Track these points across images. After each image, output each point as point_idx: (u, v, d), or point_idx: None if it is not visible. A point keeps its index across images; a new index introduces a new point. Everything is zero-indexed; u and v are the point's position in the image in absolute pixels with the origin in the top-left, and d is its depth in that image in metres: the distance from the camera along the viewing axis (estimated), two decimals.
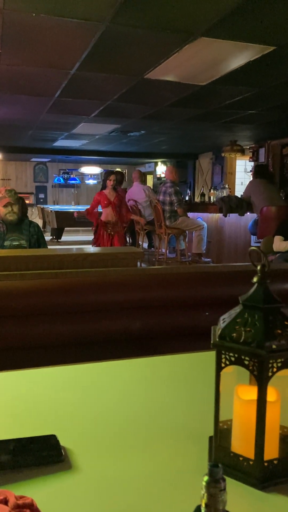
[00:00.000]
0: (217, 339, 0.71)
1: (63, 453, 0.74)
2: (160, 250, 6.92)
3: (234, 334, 0.70)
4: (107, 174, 6.09)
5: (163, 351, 1.34)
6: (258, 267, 0.73)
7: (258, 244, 5.89)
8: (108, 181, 6.00)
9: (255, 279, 0.73)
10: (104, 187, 6.13)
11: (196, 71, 4.04)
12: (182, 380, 1.10)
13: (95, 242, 6.26)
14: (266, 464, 0.69)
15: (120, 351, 1.49)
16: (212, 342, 0.71)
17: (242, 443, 0.73)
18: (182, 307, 1.62)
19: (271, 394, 0.71)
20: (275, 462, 0.70)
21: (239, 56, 3.57)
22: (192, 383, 1.08)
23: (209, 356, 1.19)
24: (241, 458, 0.71)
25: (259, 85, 4.55)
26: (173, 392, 1.03)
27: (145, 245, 8.47)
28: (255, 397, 0.69)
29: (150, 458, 0.77)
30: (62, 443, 0.76)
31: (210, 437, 0.81)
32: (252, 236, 6.77)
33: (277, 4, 2.61)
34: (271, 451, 0.71)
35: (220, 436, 0.75)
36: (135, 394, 1.01)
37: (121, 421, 0.89)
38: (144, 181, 8.30)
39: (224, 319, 0.74)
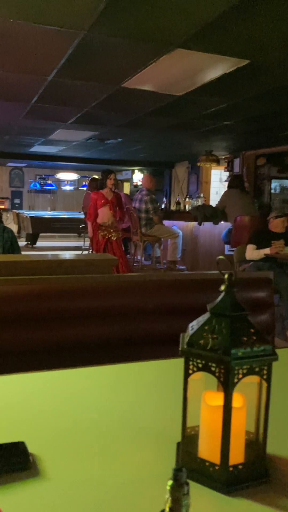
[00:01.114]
0: (185, 346, 0.72)
1: (31, 460, 0.74)
2: (135, 257, 6.94)
3: (202, 341, 0.71)
4: (105, 173, 5.83)
5: (136, 357, 1.35)
6: (226, 276, 0.75)
7: (232, 253, 5.97)
8: (108, 180, 5.76)
9: (222, 288, 0.75)
10: (101, 187, 5.89)
11: (173, 82, 4.09)
12: (152, 386, 1.11)
13: (91, 249, 6.05)
14: (231, 469, 0.71)
15: (93, 357, 1.49)
16: (180, 349, 0.73)
17: (208, 448, 0.75)
18: (156, 314, 1.63)
19: (237, 400, 0.73)
20: (240, 467, 0.72)
21: (214, 68, 3.64)
22: (162, 389, 1.09)
23: (179, 362, 1.21)
24: (207, 463, 0.73)
25: (234, 97, 4.64)
26: (143, 398, 1.04)
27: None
28: (222, 403, 0.71)
29: (118, 464, 0.77)
30: (30, 450, 0.76)
31: (178, 443, 0.82)
32: (226, 244, 6.86)
33: (252, 20, 2.68)
34: (237, 456, 0.73)
35: (188, 442, 0.77)
36: (105, 400, 1.02)
37: (90, 427, 0.89)
38: (121, 189, 8.33)
39: (193, 326, 0.76)
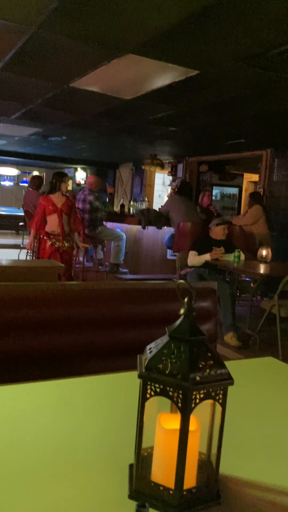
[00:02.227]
0: (144, 370, 0.72)
1: None
2: (77, 259, 6.85)
3: (160, 365, 0.71)
4: (59, 175, 5.20)
5: (82, 371, 1.32)
6: (185, 300, 0.75)
7: (174, 257, 6.07)
8: (63, 183, 5.14)
9: (182, 311, 0.75)
10: (52, 190, 5.20)
11: (122, 86, 4.09)
12: (99, 403, 1.09)
13: (37, 258, 5.36)
14: (185, 493, 0.71)
15: (35, 372, 1.44)
16: (138, 373, 0.72)
17: (163, 472, 0.74)
18: (104, 325, 1.61)
19: (192, 423, 0.73)
20: (194, 490, 0.72)
21: (164, 75, 3.68)
22: (109, 406, 1.07)
23: (127, 377, 1.21)
24: (161, 488, 0.73)
25: (181, 105, 4.72)
26: (89, 417, 1.01)
27: None
28: (177, 426, 0.71)
29: (64, 491, 0.74)
30: None
31: (130, 465, 0.81)
32: (168, 249, 6.96)
33: (204, 33, 2.73)
34: (190, 479, 0.73)
35: (142, 465, 0.76)
36: (53, 419, 0.98)
37: (37, 449, 0.85)
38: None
39: (151, 349, 0.75)
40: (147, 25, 2.67)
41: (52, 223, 5.15)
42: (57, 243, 5.13)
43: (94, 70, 3.65)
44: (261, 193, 7.03)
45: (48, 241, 5.15)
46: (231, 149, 7.74)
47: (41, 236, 5.24)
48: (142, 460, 0.76)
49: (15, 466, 0.79)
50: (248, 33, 2.71)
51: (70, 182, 5.40)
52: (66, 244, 5.16)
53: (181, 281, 0.76)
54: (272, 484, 0.79)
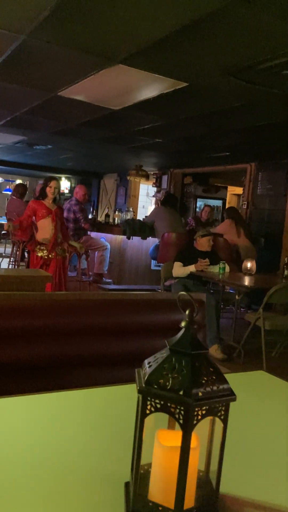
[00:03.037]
0: (144, 385, 0.69)
1: None
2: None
3: (161, 381, 0.69)
4: (46, 179, 4.82)
5: (71, 383, 1.29)
6: (187, 312, 0.73)
7: (158, 268, 6.06)
8: (48, 188, 4.70)
9: (183, 324, 0.73)
10: (41, 196, 4.83)
11: (110, 95, 4.09)
12: (95, 417, 1.06)
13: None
14: None
15: (22, 384, 1.40)
16: (138, 388, 0.70)
17: (161, 491, 0.72)
18: (92, 336, 1.58)
19: (192, 440, 0.71)
20: (194, 511, 0.70)
21: (152, 87, 3.69)
22: (104, 421, 1.04)
23: (122, 390, 1.18)
24: (160, 508, 0.70)
25: (168, 117, 4.74)
26: (85, 431, 0.98)
27: None
28: (177, 443, 0.69)
29: (60, 508, 0.71)
30: None
31: (126, 483, 0.78)
32: (152, 260, 6.95)
33: (193, 46, 2.76)
34: (189, 499, 0.71)
35: (139, 484, 0.73)
36: (44, 434, 0.94)
37: (28, 465, 0.81)
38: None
39: (150, 363, 0.73)
40: (137, 37, 2.68)
41: (46, 229, 4.65)
42: (50, 255, 4.63)
43: (82, 80, 3.65)
44: (242, 207, 7.16)
45: (37, 252, 4.63)
46: (216, 162, 7.81)
47: (29, 250, 4.77)
48: (140, 479, 0.73)
49: (3, 483, 0.75)
50: (237, 47, 2.74)
51: (56, 184, 4.81)
52: (58, 253, 4.69)
53: (182, 293, 0.74)
54: (271, 503, 0.77)
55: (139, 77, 3.43)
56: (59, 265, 4.67)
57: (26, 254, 8.38)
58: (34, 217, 4.71)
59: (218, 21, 2.40)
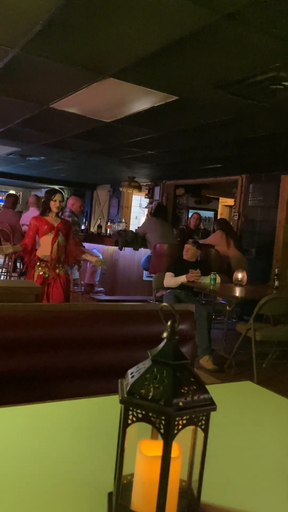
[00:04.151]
0: (126, 395, 0.70)
1: None
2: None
3: (143, 391, 0.70)
4: (48, 192, 4.37)
5: (61, 393, 1.29)
6: (168, 323, 0.75)
7: (150, 279, 6.07)
8: (52, 202, 4.27)
9: (165, 335, 0.75)
10: (44, 211, 4.38)
11: (102, 108, 4.13)
12: (79, 427, 1.06)
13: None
14: None
15: (10, 395, 1.40)
16: (120, 398, 0.71)
17: (143, 501, 0.72)
18: (82, 346, 1.59)
19: (174, 450, 0.71)
20: None
21: (144, 100, 3.74)
22: (87, 431, 1.04)
23: (106, 401, 1.18)
24: None
25: (160, 130, 4.80)
26: (69, 441, 0.98)
27: None
28: (158, 453, 0.70)
29: None
30: None
31: (110, 493, 0.79)
32: (144, 270, 6.97)
33: (183, 60, 2.81)
34: (171, 508, 0.72)
35: (121, 494, 0.74)
36: (28, 444, 0.95)
37: (10, 475, 0.82)
38: (40, 207, 8.14)
39: (132, 374, 0.74)
40: (128, 51, 2.73)
41: (45, 246, 4.27)
42: (48, 273, 4.26)
43: (74, 93, 3.69)
44: (233, 218, 7.23)
45: (39, 269, 4.27)
46: (208, 174, 7.88)
47: (28, 266, 4.38)
48: (122, 489, 0.74)
49: None
50: (226, 62, 2.80)
51: (60, 198, 4.34)
52: (57, 271, 4.29)
53: (164, 304, 0.75)
54: None
55: (131, 90, 3.48)
56: (63, 282, 4.32)
57: (18, 265, 8.38)
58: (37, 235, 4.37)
59: (207, 37, 2.45)
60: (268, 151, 5.55)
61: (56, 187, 12.77)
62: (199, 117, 4.14)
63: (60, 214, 4.52)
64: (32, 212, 7.44)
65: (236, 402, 1.27)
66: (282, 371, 4.45)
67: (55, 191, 4.33)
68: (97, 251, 6.98)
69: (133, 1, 2.13)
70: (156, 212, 6.94)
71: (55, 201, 4.26)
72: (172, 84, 3.30)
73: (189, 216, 9.56)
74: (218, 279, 4.93)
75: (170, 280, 4.97)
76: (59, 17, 2.36)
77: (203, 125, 4.41)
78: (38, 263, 4.28)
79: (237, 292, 4.65)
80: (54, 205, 4.27)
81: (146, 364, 0.74)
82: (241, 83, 3.12)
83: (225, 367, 4.38)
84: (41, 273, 4.25)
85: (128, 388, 0.71)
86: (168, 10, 2.18)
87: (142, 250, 6.88)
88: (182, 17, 2.24)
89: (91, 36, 2.56)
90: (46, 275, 4.26)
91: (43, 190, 14.39)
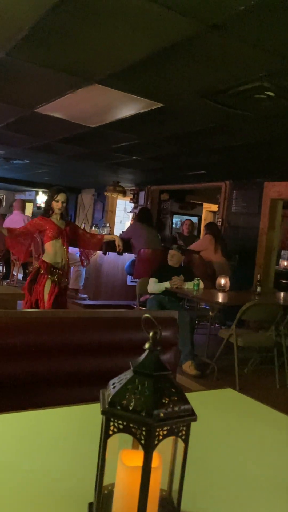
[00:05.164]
0: (107, 406, 0.71)
1: None
2: None
3: (124, 402, 0.70)
4: (51, 192, 4.01)
5: (44, 401, 1.28)
6: (150, 334, 0.76)
7: (134, 284, 6.07)
8: (54, 202, 3.92)
9: (147, 346, 0.75)
10: (46, 212, 4.02)
11: (87, 114, 4.14)
12: (59, 436, 1.06)
13: (29, 298, 3.87)
14: None
15: None
16: (101, 409, 0.71)
17: (124, 511, 0.73)
18: (65, 353, 1.58)
19: (154, 460, 0.72)
20: None
21: (129, 107, 3.76)
22: (69, 440, 1.04)
23: (88, 410, 1.18)
24: None
25: (144, 136, 4.82)
26: (50, 450, 0.98)
27: (20, 276, 8.18)
28: (139, 463, 0.70)
29: None
30: None
31: (90, 504, 0.79)
32: (128, 275, 6.96)
33: (168, 69, 2.83)
34: None
35: (102, 504, 0.74)
36: (8, 453, 0.94)
37: None
38: (24, 211, 8.11)
39: (114, 384, 0.75)
40: (114, 58, 2.74)
41: (55, 252, 3.93)
42: (63, 280, 3.95)
43: (59, 98, 3.69)
44: (218, 224, 7.25)
45: (50, 276, 3.89)
46: (193, 180, 7.94)
47: (40, 270, 3.95)
48: (102, 499, 0.75)
49: None
50: (210, 72, 2.83)
51: (63, 198, 3.94)
52: (63, 280, 4.03)
53: (147, 314, 0.76)
54: None
55: (116, 97, 3.49)
56: (64, 293, 4.10)
57: (0, 268, 8.30)
58: (41, 237, 4.08)
59: (192, 47, 2.48)
60: (251, 159, 5.62)
61: (40, 190, 12.71)
62: (184, 124, 4.18)
63: (64, 216, 4.09)
64: (16, 215, 7.39)
65: (217, 411, 1.29)
66: (264, 377, 4.49)
67: (58, 190, 3.95)
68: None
69: (120, 10, 2.15)
70: (141, 217, 6.95)
71: (58, 201, 3.91)
72: (157, 92, 3.33)
73: (173, 221, 9.61)
74: (202, 285, 4.96)
75: (154, 285, 4.99)
76: (45, 22, 2.36)
77: (187, 132, 4.44)
78: (51, 269, 3.91)
79: (220, 298, 4.68)
80: (56, 206, 3.91)
81: (127, 375, 0.74)
82: (225, 92, 3.16)
83: (207, 373, 4.40)
84: (53, 279, 3.91)
85: (109, 399, 0.71)
86: (155, 19, 2.20)
87: (126, 254, 6.88)
88: (169, 27, 2.27)
89: (78, 43, 2.57)
90: (60, 284, 3.97)
91: (27, 194, 14.32)
